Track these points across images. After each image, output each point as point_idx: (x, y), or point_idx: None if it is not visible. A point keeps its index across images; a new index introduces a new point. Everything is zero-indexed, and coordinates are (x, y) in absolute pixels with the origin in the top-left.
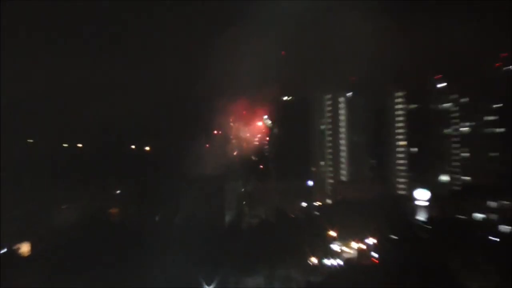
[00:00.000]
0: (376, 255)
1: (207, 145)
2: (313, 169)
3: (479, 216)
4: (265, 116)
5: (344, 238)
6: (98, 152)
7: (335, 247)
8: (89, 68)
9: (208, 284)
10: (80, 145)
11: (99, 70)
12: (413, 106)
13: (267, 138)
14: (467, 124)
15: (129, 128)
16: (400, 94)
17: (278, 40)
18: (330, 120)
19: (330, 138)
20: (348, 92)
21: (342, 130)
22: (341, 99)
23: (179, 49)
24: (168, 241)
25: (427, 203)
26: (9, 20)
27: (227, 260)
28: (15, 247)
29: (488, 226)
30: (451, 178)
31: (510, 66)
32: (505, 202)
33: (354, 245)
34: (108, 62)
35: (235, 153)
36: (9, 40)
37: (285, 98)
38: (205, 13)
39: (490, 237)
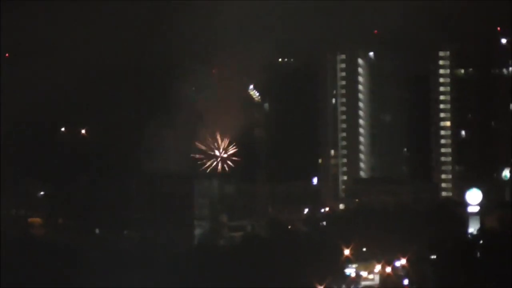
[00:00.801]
0: (407, 283)
1: (171, 128)
2: (320, 161)
3: None
4: (251, 86)
5: (363, 259)
6: (13, 137)
7: (351, 271)
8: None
9: None
10: None
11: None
12: (464, 71)
13: (255, 118)
14: None
15: (58, 104)
16: (445, 54)
17: None
18: (344, 92)
19: (344, 117)
20: (370, 51)
21: (362, 105)
22: (361, 62)
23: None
24: (113, 265)
25: (480, 209)
26: None
27: None
28: None
29: None
30: None
31: None
32: None
33: (377, 268)
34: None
35: (209, 140)
36: None
37: (281, 60)
38: None
39: None
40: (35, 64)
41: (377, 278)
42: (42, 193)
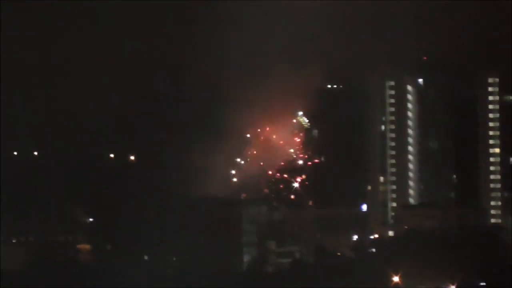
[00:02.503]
0: None
1: (217, 154)
2: (369, 188)
3: None
4: (300, 113)
5: (412, 286)
6: (59, 163)
7: None
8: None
9: None
10: (35, 153)
11: (55, 46)
12: None
13: (303, 144)
14: None
15: (104, 130)
16: (494, 80)
17: (317, 6)
18: (393, 118)
19: (393, 144)
20: (419, 78)
21: (410, 132)
22: (409, 88)
23: (173, 13)
24: None
25: None
26: None
27: None
28: None
29: None
30: None
31: None
32: None
33: None
34: (69, 37)
35: (257, 165)
36: None
37: (329, 86)
38: None
39: None
40: (83, 90)
41: None
42: (90, 219)
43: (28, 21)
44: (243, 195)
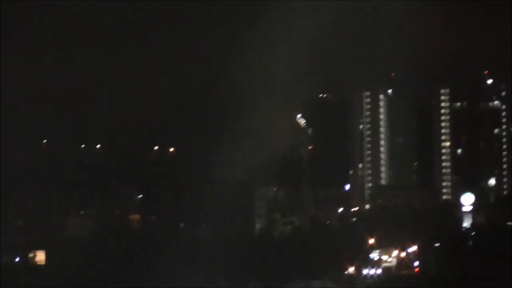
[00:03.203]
0: (417, 264)
1: (236, 148)
2: (351, 172)
3: None
4: (299, 115)
5: (383, 246)
6: (116, 154)
7: (374, 255)
8: (104, 64)
9: None
10: (98, 146)
11: (115, 66)
12: (459, 104)
13: (301, 140)
14: None
15: (151, 129)
16: (445, 91)
17: (311, 31)
18: (369, 120)
19: (369, 139)
20: (388, 89)
21: (382, 130)
22: (381, 97)
23: (202, 43)
24: (194, 250)
25: (472, 209)
26: (11, 19)
27: (257, 271)
28: (29, 255)
29: None
30: (499, 182)
31: None
32: None
33: (394, 253)
34: (127, 57)
35: (266, 157)
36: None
37: (321, 95)
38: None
39: None
40: (133, 95)
41: (394, 261)
42: (140, 196)
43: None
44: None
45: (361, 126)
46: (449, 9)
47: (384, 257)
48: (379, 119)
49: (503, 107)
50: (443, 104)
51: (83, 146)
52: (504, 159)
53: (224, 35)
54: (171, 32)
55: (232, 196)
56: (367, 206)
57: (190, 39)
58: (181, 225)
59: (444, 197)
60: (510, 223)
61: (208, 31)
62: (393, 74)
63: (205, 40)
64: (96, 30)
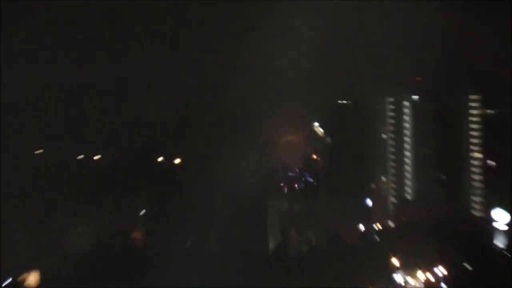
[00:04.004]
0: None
1: (248, 155)
2: (373, 185)
3: None
4: (316, 124)
5: (408, 267)
6: (118, 165)
7: (398, 277)
8: (103, 66)
9: None
10: (97, 157)
11: (115, 68)
12: (491, 111)
13: (319, 148)
14: None
15: (155, 136)
16: (475, 97)
17: (330, 34)
18: (392, 128)
19: (393, 149)
20: (413, 95)
21: (407, 139)
22: (405, 103)
23: (210, 44)
24: (202, 269)
25: (507, 227)
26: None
27: None
28: (21, 277)
29: None
30: None
31: None
32: None
33: (421, 275)
34: (127, 59)
35: (280, 166)
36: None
37: (340, 102)
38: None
39: None
40: (136, 100)
41: (421, 284)
42: (143, 211)
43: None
44: (269, 190)
45: (384, 135)
46: (474, 11)
47: (410, 280)
48: (403, 127)
49: None
50: (473, 111)
51: (81, 156)
52: None
53: (237, 38)
54: (178, 32)
55: (244, 211)
56: (391, 222)
57: (200, 41)
58: (188, 243)
59: (475, 212)
60: None
61: (218, 34)
62: (419, 78)
63: (216, 44)
64: (91, 31)
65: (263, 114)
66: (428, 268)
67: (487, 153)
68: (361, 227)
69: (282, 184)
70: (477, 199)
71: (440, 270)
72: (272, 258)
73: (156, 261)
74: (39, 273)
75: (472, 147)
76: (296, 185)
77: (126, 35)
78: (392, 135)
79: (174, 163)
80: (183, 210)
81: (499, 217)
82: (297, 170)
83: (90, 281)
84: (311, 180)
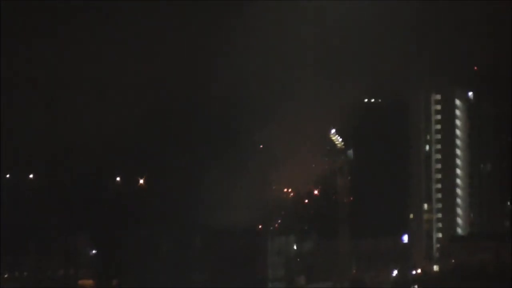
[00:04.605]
0: None
1: (239, 177)
2: (411, 216)
3: None
4: (333, 131)
5: None
6: (59, 188)
7: None
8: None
9: None
10: (30, 176)
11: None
12: None
13: (337, 166)
14: None
15: (109, 151)
16: None
17: (353, 14)
18: (439, 136)
19: (440, 166)
20: (469, 91)
21: (460, 153)
22: (458, 102)
23: (187, 28)
24: None
25: None
26: None
27: None
28: None
29: None
30: None
31: None
32: None
33: None
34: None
35: (284, 191)
36: None
37: (366, 100)
38: None
39: None
40: (87, 105)
41: None
42: (94, 251)
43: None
44: (270, 224)
45: (427, 146)
46: None
47: None
48: (455, 136)
49: None
50: None
51: (7, 175)
52: None
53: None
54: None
55: (234, 251)
56: (436, 268)
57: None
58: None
59: None
60: None
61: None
62: (477, 68)
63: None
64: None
65: (260, 119)
66: None
67: None
68: (394, 272)
69: (288, 219)
70: None
71: None
72: None
73: None
74: None
75: None
76: (307, 220)
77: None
78: (438, 147)
79: (135, 187)
80: (145, 254)
81: None
82: (309, 195)
83: None
84: (327, 211)
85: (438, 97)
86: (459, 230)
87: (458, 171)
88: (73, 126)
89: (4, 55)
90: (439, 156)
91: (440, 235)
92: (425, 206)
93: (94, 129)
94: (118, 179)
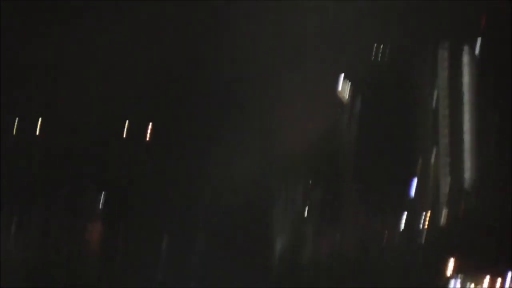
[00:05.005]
0: None
1: (247, 129)
2: (418, 167)
3: None
4: (341, 84)
5: (469, 272)
6: (69, 138)
7: (456, 285)
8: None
9: None
10: (37, 127)
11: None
12: None
13: (344, 120)
14: None
15: (117, 99)
16: None
17: None
18: (446, 88)
19: (447, 116)
20: (476, 42)
21: (466, 106)
22: (465, 55)
23: None
24: (182, 281)
25: None
26: None
27: None
28: None
29: None
30: None
31: None
32: None
33: (485, 283)
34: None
35: (291, 143)
36: None
37: (374, 53)
38: None
39: None
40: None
41: None
42: (102, 199)
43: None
44: (277, 176)
45: (434, 98)
46: None
47: None
48: (461, 86)
49: None
50: None
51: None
52: None
53: None
54: None
55: (242, 203)
56: (444, 213)
57: None
58: (163, 246)
59: None
60: None
61: None
62: (484, 17)
63: None
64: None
65: (274, 78)
66: (496, 272)
67: None
68: (403, 221)
69: (295, 171)
70: None
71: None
72: (280, 266)
73: (117, 273)
74: None
75: None
76: (315, 172)
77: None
78: (446, 101)
79: (143, 137)
80: (159, 206)
81: None
82: (317, 150)
83: None
84: (335, 163)
85: (446, 52)
86: (466, 179)
87: (466, 121)
88: (80, 74)
89: None
90: (446, 111)
91: (448, 185)
92: (432, 158)
93: (102, 79)
94: (126, 128)
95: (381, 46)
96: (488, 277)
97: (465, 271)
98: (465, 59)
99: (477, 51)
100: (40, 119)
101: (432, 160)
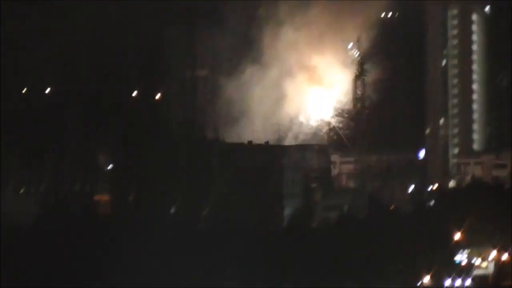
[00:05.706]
0: None
1: (257, 93)
2: (427, 132)
3: None
4: (350, 45)
5: (475, 245)
6: (76, 101)
7: (461, 257)
8: None
9: None
10: (47, 90)
11: None
12: None
13: (353, 80)
14: None
15: (127, 64)
16: None
17: None
18: (456, 52)
19: (456, 81)
20: (487, 4)
21: (477, 68)
22: (475, 17)
23: None
24: (193, 248)
25: None
26: None
27: (289, 278)
28: None
29: None
30: None
31: None
32: None
33: (492, 255)
34: None
35: (299, 103)
36: None
37: (383, 15)
38: None
39: None
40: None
41: (491, 266)
42: (110, 166)
43: None
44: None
45: (444, 62)
46: None
47: (477, 261)
48: (472, 51)
49: None
50: None
51: (25, 90)
52: None
53: None
54: None
55: (250, 166)
56: (452, 182)
57: None
58: (171, 210)
59: None
60: None
61: None
62: None
63: None
64: None
65: (279, 30)
66: (503, 245)
67: None
68: (410, 188)
69: (304, 132)
70: None
71: None
72: (288, 233)
73: (123, 238)
74: None
75: None
76: (323, 134)
77: None
78: (455, 62)
79: (151, 102)
80: (165, 168)
81: None
82: (326, 111)
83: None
84: (343, 126)
85: (455, 11)
86: (475, 146)
87: (475, 86)
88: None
89: None
90: (455, 71)
91: (456, 150)
92: (441, 121)
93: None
94: (135, 93)
95: (392, 4)
96: (494, 250)
97: (472, 240)
98: (475, 18)
99: (486, 13)
100: None
101: (440, 129)
